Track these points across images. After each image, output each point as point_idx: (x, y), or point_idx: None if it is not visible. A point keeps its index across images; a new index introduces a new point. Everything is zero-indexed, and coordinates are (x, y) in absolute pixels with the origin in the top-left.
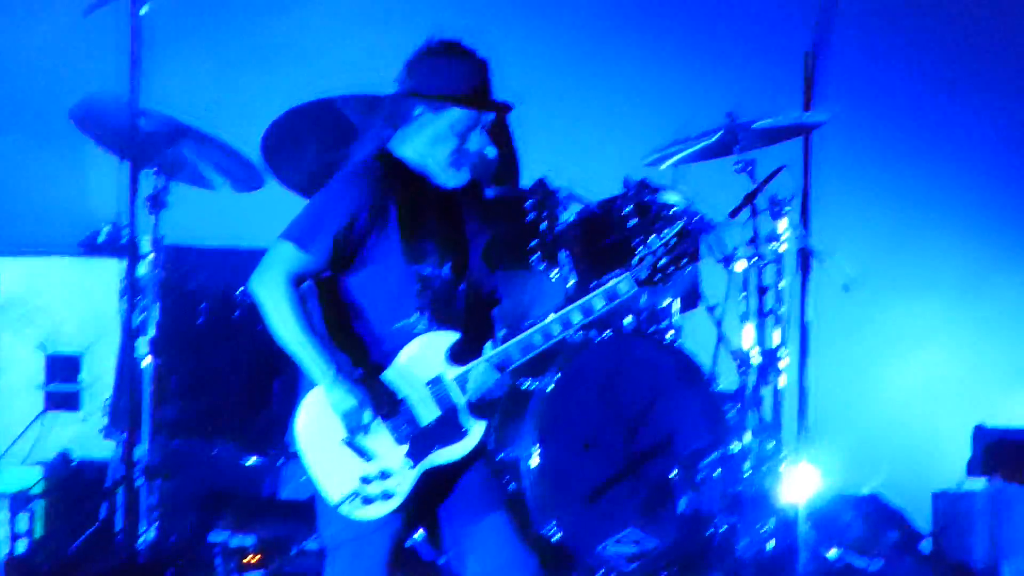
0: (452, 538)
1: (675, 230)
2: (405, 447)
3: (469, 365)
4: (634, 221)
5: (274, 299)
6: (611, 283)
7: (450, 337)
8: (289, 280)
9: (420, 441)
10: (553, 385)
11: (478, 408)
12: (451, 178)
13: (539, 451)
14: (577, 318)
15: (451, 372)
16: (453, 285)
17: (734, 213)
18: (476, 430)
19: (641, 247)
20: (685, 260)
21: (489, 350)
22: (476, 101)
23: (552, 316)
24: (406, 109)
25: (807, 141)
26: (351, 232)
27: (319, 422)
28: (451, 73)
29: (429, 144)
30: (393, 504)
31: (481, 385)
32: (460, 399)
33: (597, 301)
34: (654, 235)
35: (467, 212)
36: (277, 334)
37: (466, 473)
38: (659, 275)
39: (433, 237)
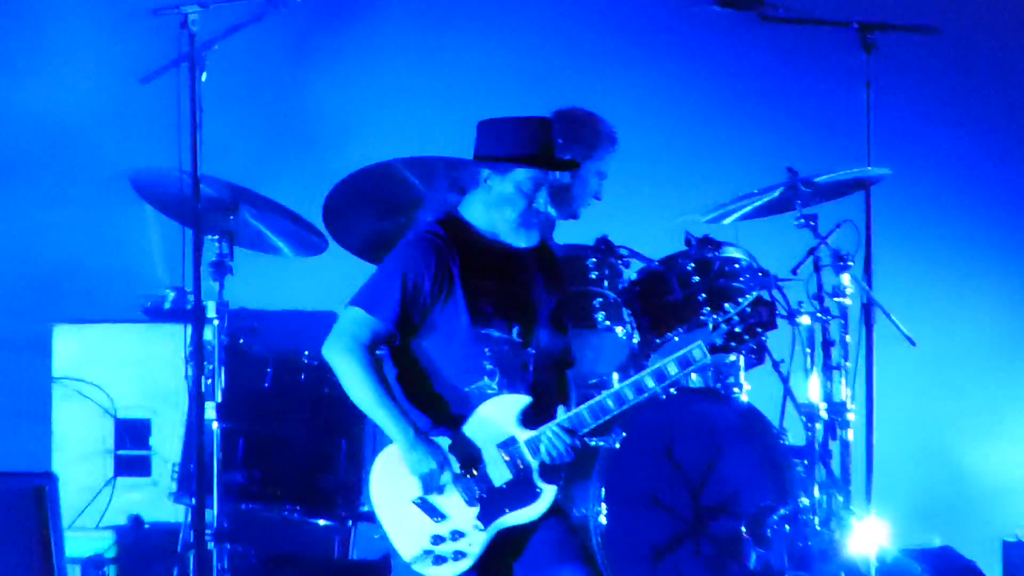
0: None
1: (750, 299)
2: (476, 508)
3: (541, 428)
4: (697, 278)
5: (348, 364)
6: (685, 350)
7: (522, 400)
8: (361, 345)
9: (492, 503)
10: (618, 443)
11: (550, 471)
12: (520, 239)
13: (606, 509)
14: (651, 384)
15: (523, 435)
16: (522, 347)
17: (796, 268)
18: (547, 493)
19: (715, 313)
20: (759, 329)
21: (561, 414)
22: (543, 161)
23: (626, 382)
24: (472, 173)
25: (868, 195)
26: (418, 296)
27: (393, 481)
28: (516, 134)
29: (497, 206)
30: (465, 564)
31: (553, 448)
32: (532, 462)
33: (671, 367)
34: (728, 303)
35: (535, 273)
36: (354, 398)
37: (540, 531)
38: (733, 343)
39: (501, 299)
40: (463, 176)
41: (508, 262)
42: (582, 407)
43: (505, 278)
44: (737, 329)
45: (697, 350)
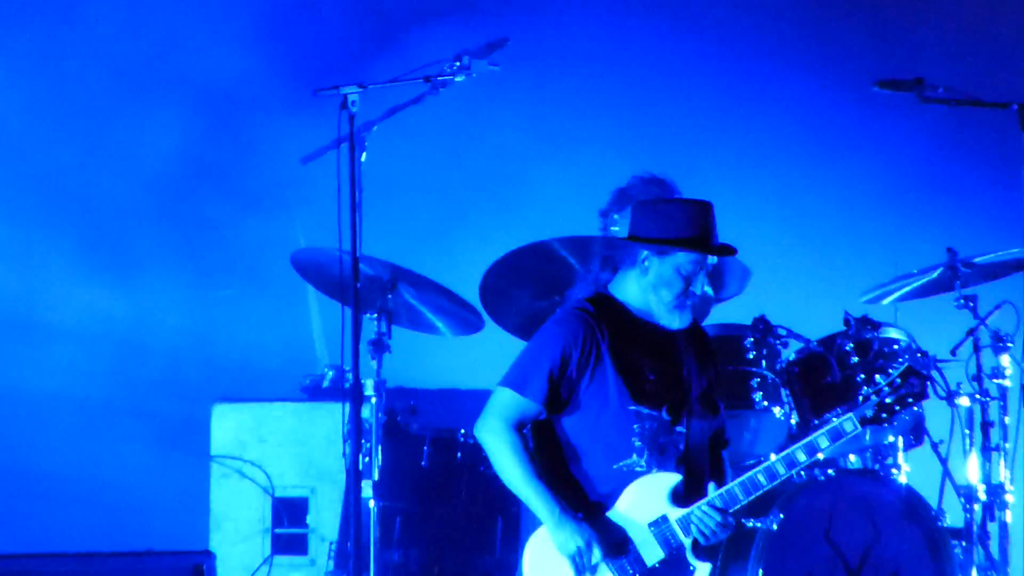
0: None
1: (901, 370)
2: None
3: (693, 506)
4: (855, 358)
5: (498, 444)
6: (835, 422)
7: (673, 478)
8: (511, 425)
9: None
10: (776, 524)
11: (703, 549)
12: (675, 320)
13: None
14: (802, 458)
15: (674, 513)
16: (672, 426)
17: (955, 349)
18: (701, 571)
19: (866, 386)
20: (911, 400)
21: (713, 491)
22: (703, 245)
23: (776, 456)
24: (630, 253)
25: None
26: (566, 373)
27: (547, 561)
28: (677, 216)
29: (653, 287)
30: None
31: (705, 526)
32: (685, 540)
33: (822, 440)
34: (879, 374)
35: (687, 352)
36: (503, 477)
37: None
38: (884, 414)
39: (651, 378)
40: (618, 255)
41: (660, 342)
42: (733, 483)
43: (656, 357)
44: (888, 400)
45: (848, 423)
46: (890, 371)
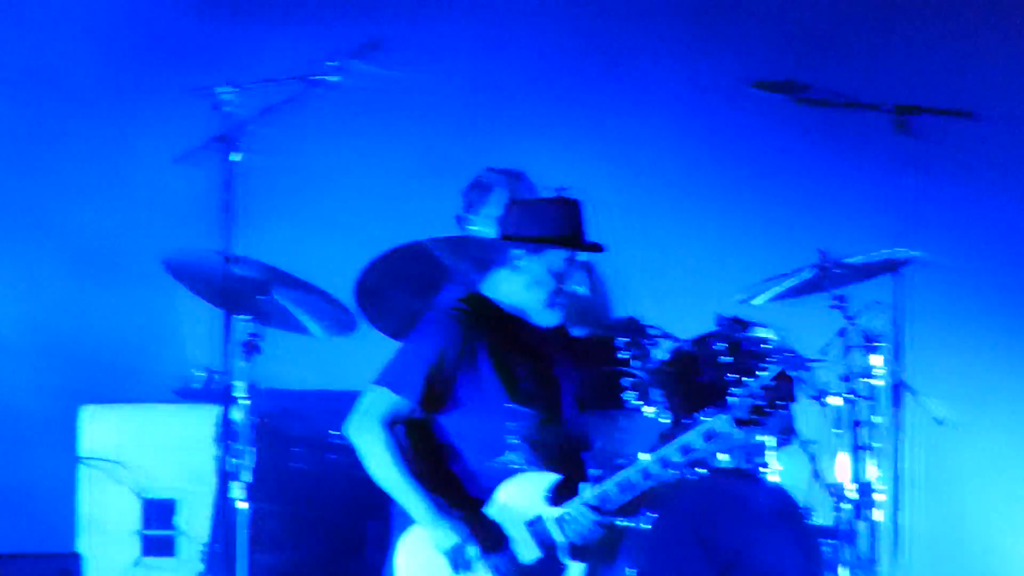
0: None
1: (773, 372)
2: None
3: (567, 506)
4: (727, 358)
5: (371, 443)
6: (709, 423)
7: (548, 478)
8: (384, 424)
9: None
10: (647, 523)
11: (577, 549)
12: (547, 318)
13: None
14: (676, 457)
15: (550, 512)
16: (547, 424)
17: (825, 349)
18: (574, 571)
19: (739, 388)
20: (780, 402)
21: (587, 490)
22: (574, 242)
23: (650, 456)
24: (502, 252)
25: (900, 277)
26: (441, 372)
27: (419, 561)
28: (547, 215)
29: (526, 286)
30: None
31: (580, 526)
32: (560, 539)
33: (696, 441)
34: (752, 377)
35: (559, 351)
36: (376, 476)
37: None
38: (757, 416)
39: (525, 376)
40: (489, 255)
41: (534, 340)
42: (607, 483)
43: (530, 356)
44: (759, 403)
45: (722, 423)
46: (761, 373)
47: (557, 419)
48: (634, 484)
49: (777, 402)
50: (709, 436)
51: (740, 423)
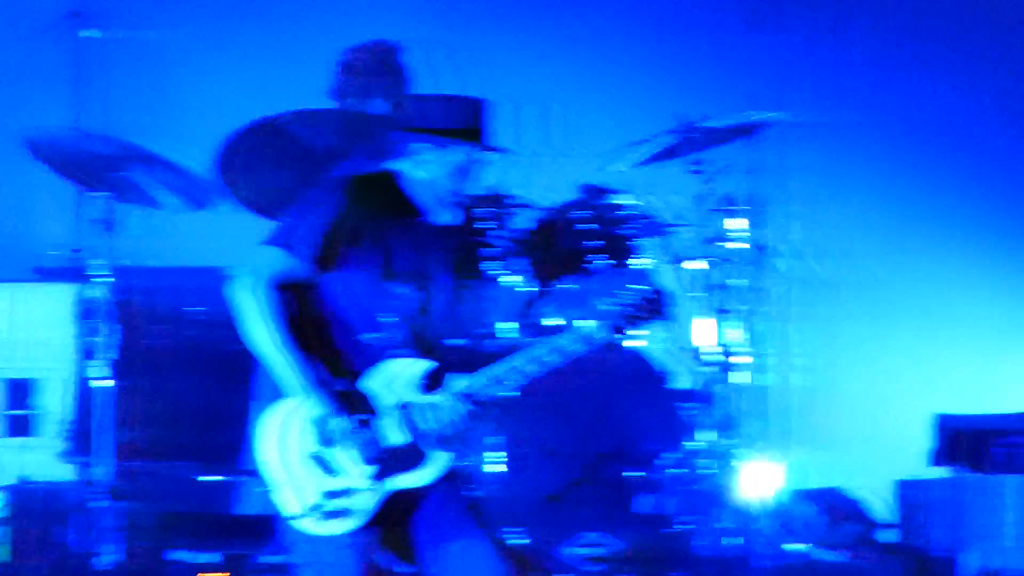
0: (425, 554)
1: (652, 289)
2: (370, 467)
3: (438, 395)
4: (587, 225)
5: (253, 304)
6: (587, 328)
7: (422, 364)
8: (271, 285)
9: (386, 463)
10: (511, 396)
11: (445, 437)
12: (443, 215)
13: (500, 459)
14: (548, 358)
15: (420, 399)
16: (423, 312)
17: (687, 214)
18: (441, 458)
19: (621, 295)
20: (655, 316)
21: (457, 381)
22: (475, 137)
23: (524, 355)
24: (400, 143)
25: (759, 140)
26: (331, 238)
27: (284, 433)
28: (451, 110)
29: (426, 180)
30: (355, 522)
31: (447, 415)
32: (426, 426)
33: (570, 344)
34: (630, 290)
35: (449, 243)
36: (252, 339)
37: (436, 495)
38: (632, 325)
39: (409, 261)
40: (388, 145)
41: (423, 230)
42: (480, 376)
43: (418, 244)
44: (638, 314)
45: (599, 331)
46: (641, 287)
47: (434, 308)
48: (502, 380)
49: (652, 316)
50: (584, 341)
51: (617, 331)
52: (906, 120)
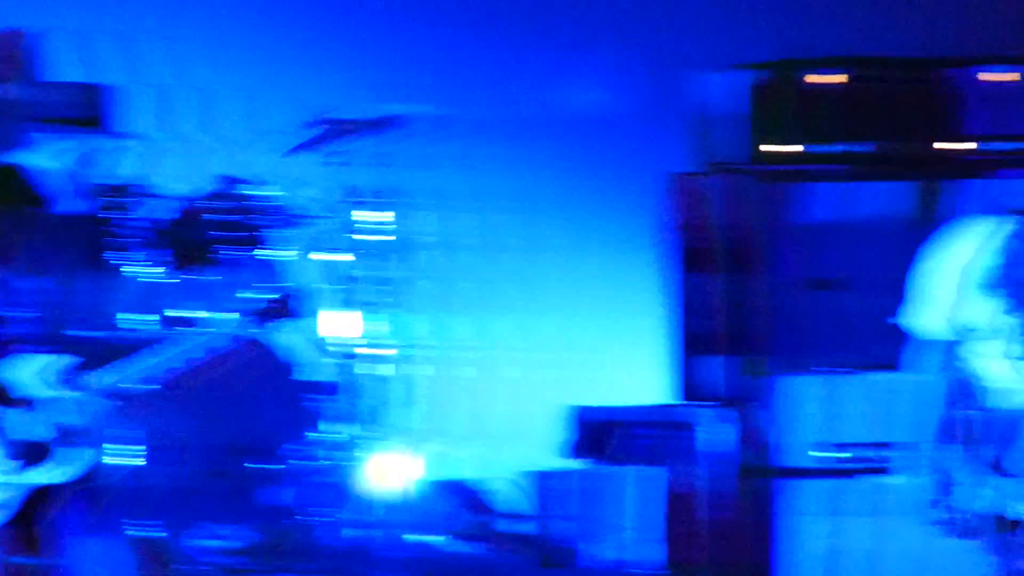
0: (61, 549)
1: (286, 281)
2: (11, 463)
3: (73, 391)
4: (219, 216)
5: None
6: (223, 321)
7: (57, 359)
8: None
9: (22, 457)
10: (151, 386)
11: (76, 432)
12: (70, 204)
13: (138, 451)
14: (189, 351)
15: (54, 394)
16: (54, 301)
17: (329, 205)
18: (74, 455)
19: (250, 291)
20: (284, 317)
21: (96, 377)
22: (101, 127)
23: (163, 349)
24: (23, 134)
25: (403, 132)
26: None
27: None
28: (72, 100)
29: (49, 171)
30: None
31: (85, 409)
32: (61, 421)
33: (209, 337)
34: (264, 283)
35: (72, 233)
36: None
37: (72, 485)
38: (266, 317)
39: (36, 253)
40: (9, 136)
41: (50, 222)
42: (117, 368)
43: (46, 236)
44: (272, 310)
45: (235, 322)
46: (269, 295)
47: (65, 300)
48: (141, 373)
49: (288, 308)
50: (221, 333)
51: (252, 323)
52: (546, 115)
